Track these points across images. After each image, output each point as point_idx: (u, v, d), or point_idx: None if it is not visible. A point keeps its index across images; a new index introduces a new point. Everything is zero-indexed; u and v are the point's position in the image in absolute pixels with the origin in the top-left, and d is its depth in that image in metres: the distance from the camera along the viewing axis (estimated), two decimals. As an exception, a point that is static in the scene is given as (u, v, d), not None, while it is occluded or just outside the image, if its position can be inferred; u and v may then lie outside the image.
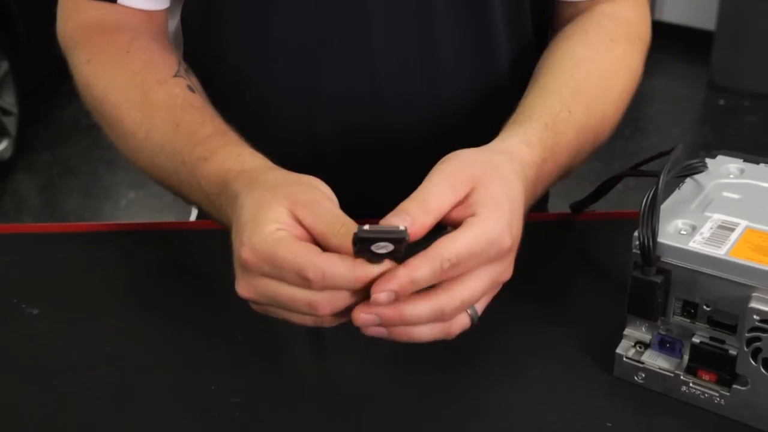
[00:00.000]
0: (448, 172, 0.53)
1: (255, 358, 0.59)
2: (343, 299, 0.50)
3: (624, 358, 0.57)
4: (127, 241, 0.75)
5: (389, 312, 0.49)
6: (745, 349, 0.51)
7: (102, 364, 0.60)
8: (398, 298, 0.49)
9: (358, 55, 0.73)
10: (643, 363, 0.56)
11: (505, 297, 0.58)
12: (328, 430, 0.54)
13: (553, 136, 0.62)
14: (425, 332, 0.51)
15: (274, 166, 0.59)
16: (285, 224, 0.51)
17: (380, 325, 0.50)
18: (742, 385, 0.53)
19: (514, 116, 0.64)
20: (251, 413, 0.55)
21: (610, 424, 0.54)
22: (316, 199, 0.52)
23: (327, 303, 0.50)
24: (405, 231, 0.47)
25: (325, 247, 0.50)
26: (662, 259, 0.54)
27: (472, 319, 0.53)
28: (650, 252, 0.53)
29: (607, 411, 0.55)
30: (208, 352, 0.59)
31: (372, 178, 0.78)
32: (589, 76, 0.68)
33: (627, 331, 0.58)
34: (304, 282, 0.49)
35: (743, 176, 0.61)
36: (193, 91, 0.67)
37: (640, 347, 0.57)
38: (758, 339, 0.51)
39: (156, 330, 0.61)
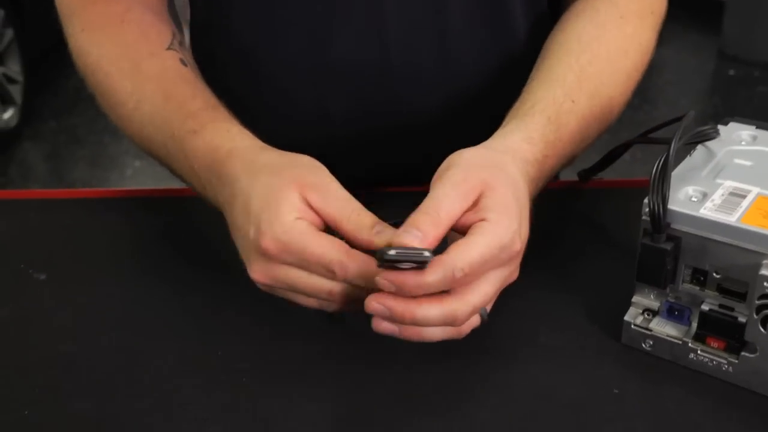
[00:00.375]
0: (456, 180, 0.53)
1: (262, 323, 0.59)
2: (360, 293, 0.51)
3: (632, 326, 0.57)
4: (134, 207, 0.75)
5: (400, 308, 0.49)
6: (755, 316, 0.51)
7: (109, 328, 0.60)
8: (409, 296, 0.50)
9: (368, 25, 0.72)
10: (651, 330, 0.56)
11: (513, 264, 0.58)
12: (336, 395, 0.54)
13: (555, 130, 0.61)
14: (436, 333, 0.51)
15: (264, 145, 0.59)
16: (301, 211, 0.52)
17: (392, 321, 0.50)
18: (751, 353, 0.53)
19: (517, 106, 0.63)
20: (259, 379, 0.55)
21: (617, 391, 0.54)
22: (323, 180, 0.54)
23: (346, 294, 0.52)
24: (429, 255, 0.48)
25: (336, 230, 0.52)
26: (672, 226, 0.53)
27: (482, 318, 0.54)
28: (660, 219, 0.52)
29: (615, 378, 0.55)
30: (215, 318, 0.59)
31: (384, 152, 0.77)
32: (596, 59, 0.67)
33: (635, 298, 0.58)
34: (329, 274, 0.51)
35: (756, 143, 0.60)
36: (185, 65, 0.68)
37: (648, 315, 0.57)
38: (768, 306, 0.50)
39: (162, 295, 0.61)
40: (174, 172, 0.65)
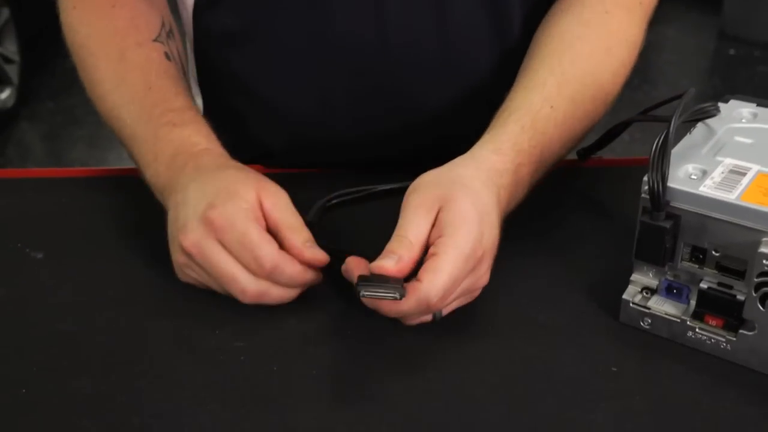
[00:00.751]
0: (416, 204, 0.56)
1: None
2: (272, 297, 0.57)
3: (630, 304, 0.57)
4: (131, 185, 0.74)
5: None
6: (753, 294, 0.51)
7: (107, 307, 0.60)
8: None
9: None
10: (649, 309, 0.56)
11: (512, 243, 0.58)
12: (335, 373, 0.54)
13: (530, 138, 0.62)
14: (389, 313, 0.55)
15: (233, 159, 0.64)
16: (252, 204, 0.57)
17: None
18: (749, 330, 0.53)
19: (496, 116, 0.64)
20: (256, 357, 0.55)
21: (615, 369, 0.54)
22: (280, 192, 0.59)
23: (256, 295, 0.56)
24: (399, 296, 0.52)
25: (277, 237, 0.57)
26: (672, 204, 0.53)
27: (434, 318, 0.56)
28: (660, 196, 0.52)
29: (613, 356, 0.55)
30: (213, 296, 0.59)
31: (383, 135, 0.77)
32: (579, 59, 0.67)
33: (634, 276, 0.58)
34: (254, 266, 0.55)
35: (756, 120, 0.60)
36: (169, 59, 0.70)
37: (646, 293, 0.57)
38: (767, 284, 0.50)
39: (160, 273, 0.61)
40: (131, 153, 0.67)
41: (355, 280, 0.54)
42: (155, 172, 0.63)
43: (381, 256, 0.53)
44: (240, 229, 0.55)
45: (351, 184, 0.72)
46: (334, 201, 0.71)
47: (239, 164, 0.63)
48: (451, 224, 0.54)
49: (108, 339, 0.57)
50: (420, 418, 0.51)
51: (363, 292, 0.52)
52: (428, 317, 0.56)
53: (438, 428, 0.50)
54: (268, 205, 0.58)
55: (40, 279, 0.63)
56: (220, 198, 0.56)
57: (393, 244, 0.54)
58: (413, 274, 0.53)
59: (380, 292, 0.52)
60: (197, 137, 0.64)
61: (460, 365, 0.55)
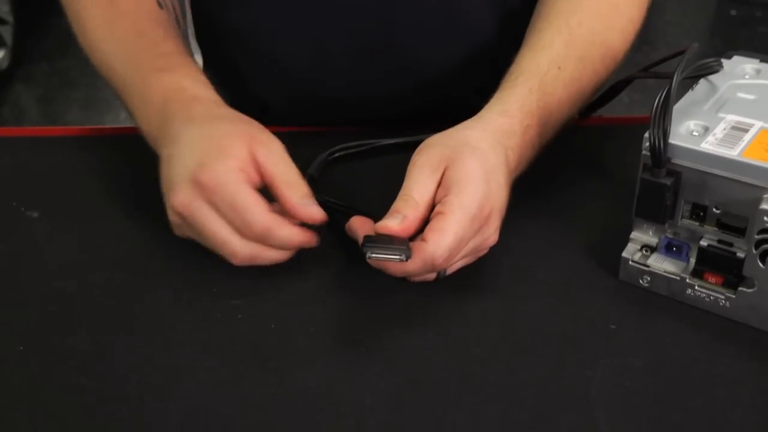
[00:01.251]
0: (421, 163, 0.55)
1: (257, 260, 0.59)
2: (264, 259, 0.55)
3: (630, 262, 0.57)
4: (127, 145, 0.73)
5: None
6: (754, 251, 0.51)
7: (102, 265, 0.59)
8: None
9: None
10: (648, 266, 0.56)
11: (512, 201, 0.57)
12: (333, 331, 0.54)
13: (538, 99, 0.61)
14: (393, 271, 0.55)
15: (224, 103, 0.62)
16: (244, 163, 0.54)
17: None
18: (749, 288, 0.52)
19: (504, 79, 0.63)
20: (254, 315, 0.55)
21: (614, 327, 0.54)
22: (273, 142, 0.56)
23: (247, 258, 0.55)
24: (405, 258, 0.51)
25: (269, 188, 0.55)
26: (673, 161, 0.52)
27: (438, 276, 0.56)
28: (661, 153, 0.51)
29: (612, 313, 0.55)
30: (209, 254, 0.58)
31: (382, 99, 0.76)
32: (587, 19, 0.66)
33: (633, 234, 0.57)
34: (244, 229, 0.54)
35: (759, 77, 0.59)
36: (161, 7, 0.68)
37: (646, 251, 0.57)
38: (767, 241, 0.50)
39: (156, 232, 0.61)
40: (124, 102, 0.66)
41: (359, 239, 0.54)
42: (147, 121, 0.62)
43: (386, 215, 0.53)
44: (230, 190, 0.53)
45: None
46: (336, 154, 0.70)
47: (232, 113, 0.60)
48: (458, 183, 0.53)
49: (104, 297, 0.57)
50: (419, 376, 0.51)
51: (369, 254, 0.51)
52: (432, 275, 0.56)
53: (437, 385, 0.50)
54: (261, 158, 0.55)
55: (36, 237, 0.63)
56: (210, 155, 0.54)
57: (398, 204, 0.53)
58: (419, 232, 0.53)
59: (386, 254, 0.51)
60: (186, 81, 0.61)
61: (460, 323, 0.54)
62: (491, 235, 0.56)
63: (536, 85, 0.61)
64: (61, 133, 0.77)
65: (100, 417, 0.48)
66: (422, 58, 0.75)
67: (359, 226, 0.56)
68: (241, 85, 0.79)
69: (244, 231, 0.54)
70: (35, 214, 0.65)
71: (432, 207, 0.54)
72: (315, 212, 0.55)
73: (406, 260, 0.51)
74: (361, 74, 0.75)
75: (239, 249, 0.54)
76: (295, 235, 0.55)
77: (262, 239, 0.54)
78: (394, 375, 0.51)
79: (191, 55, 0.68)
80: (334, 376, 0.51)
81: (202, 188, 0.54)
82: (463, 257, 0.56)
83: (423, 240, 0.52)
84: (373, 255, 0.51)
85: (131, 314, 0.55)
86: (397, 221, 0.52)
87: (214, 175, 0.53)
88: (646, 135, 0.52)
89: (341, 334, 0.54)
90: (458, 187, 0.53)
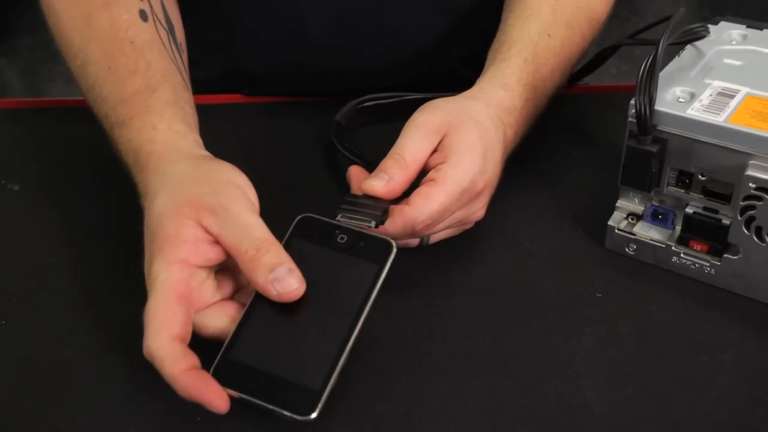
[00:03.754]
0: (420, 123, 0.54)
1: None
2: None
3: (615, 230, 0.56)
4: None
5: None
6: (739, 218, 0.51)
7: (85, 238, 0.59)
8: None
9: None
10: (634, 234, 0.56)
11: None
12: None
13: (533, 71, 0.60)
14: None
15: (190, 145, 0.53)
16: (189, 250, 0.45)
17: None
18: (734, 255, 0.52)
19: (494, 49, 0.62)
20: (239, 286, 0.54)
21: (599, 295, 0.54)
22: (223, 203, 0.46)
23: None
24: (380, 219, 0.50)
25: (235, 260, 0.46)
26: (659, 128, 0.52)
27: (421, 243, 0.55)
28: (647, 120, 0.51)
29: (598, 282, 0.55)
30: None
31: (365, 70, 0.75)
32: None
33: (619, 202, 0.57)
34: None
35: (746, 42, 0.59)
36: (144, 19, 0.59)
37: (632, 219, 0.57)
38: (752, 207, 0.50)
39: (136, 204, 0.60)
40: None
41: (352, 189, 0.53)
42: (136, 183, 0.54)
43: (373, 174, 0.52)
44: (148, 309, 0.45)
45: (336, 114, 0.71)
46: (366, 104, 0.68)
47: (178, 173, 0.50)
48: (456, 152, 0.52)
49: (87, 269, 0.56)
50: (404, 346, 0.50)
51: (339, 217, 0.50)
52: (415, 241, 0.55)
53: (423, 355, 0.50)
54: (209, 223, 0.46)
55: (17, 211, 0.62)
56: (154, 251, 0.46)
57: (387, 162, 0.52)
58: (408, 193, 0.52)
59: (357, 218, 0.50)
60: (141, 138, 0.53)
61: (445, 293, 0.54)
62: (479, 209, 0.55)
63: (530, 56, 0.61)
64: (42, 105, 0.76)
65: (84, 391, 0.48)
66: (407, 28, 0.74)
67: (353, 176, 0.55)
68: (224, 57, 0.78)
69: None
70: (16, 187, 0.64)
71: (422, 170, 0.53)
72: (289, 286, 0.45)
73: (375, 227, 0.49)
74: (344, 44, 0.74)
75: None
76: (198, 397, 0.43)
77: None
78: (379, 345, 0.50)
79: (177, 64, 0.60)
80: (320, 346, 0.50)
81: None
82: (447, 228, 0.55)
83: (407, 203, 0.51)
84: (343, 219, 0.50)
85: (116, 285, 0.55)
86: (382, 183, 0.51)
87: (149, 279, 0.46)
88: (632, 102, 0.51)
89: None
90: (456, 157, 0.52)
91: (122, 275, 0.55)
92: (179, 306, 0.45)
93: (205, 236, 0.46)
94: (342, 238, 0.48)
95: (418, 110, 0.55)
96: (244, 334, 0.46)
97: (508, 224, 0.60)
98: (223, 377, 0.44)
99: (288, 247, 0.47)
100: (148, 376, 0.48)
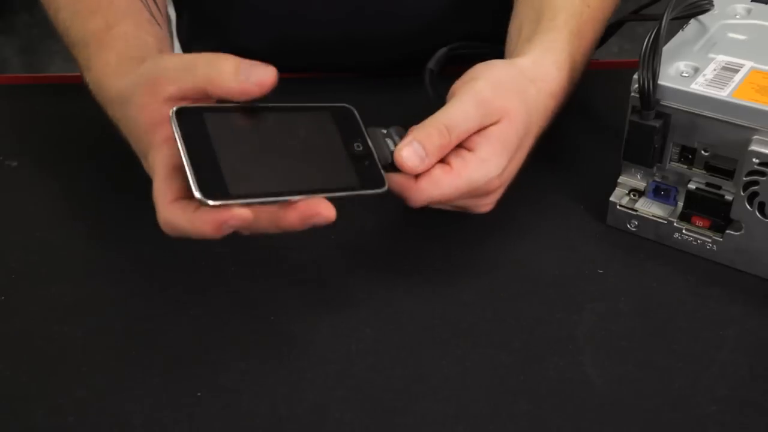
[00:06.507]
0: (483, 98, 0.50)
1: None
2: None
3: (617, 206, 0.56)
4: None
5: None
6: (742, 193, 0.50)
7: (84, 214, 0.59)
8: None
9: None
10: (636, 210, 0.56)
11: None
12: (319, 278, 0.54)
13: (579, 46, 0.58)
14: None
15: (137, 60, 0.51)
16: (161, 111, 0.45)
17: None
18: (736, 231, 0.52)
19: (537, 12, 0.59)
20: (240, 262, 0.54)
21: (601, 271, 0.54)
22: (164, 65, 0.47)
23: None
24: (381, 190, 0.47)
25: (212, 95, 0.45)
26: (662, 103, 0.52)
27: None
28: (650, 95, 0.51)
29: (599, 258, 0.55)
30: (194, 203, 0.58)
31: (368, 30, 0.74)
32: None
33: (621, 178, 0.57)
34: None
35: (750, 16, 0.58)
36: None
37: (634, 195, 0.56)
38: (755, 183, 0.49)
39: (138, 180, 0.59)
40: None
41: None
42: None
43: (409, 141, 0.48)
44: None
45: (340, 90, 0.70)
46: (459, 51, 0.67)
47: (122, 88, 0.50)
48: (489, 147, 0.50)
49: (86, 246, 0.56)
50: (405, 322, 0.50)
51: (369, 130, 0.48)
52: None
53: (424, 332, 0.50)
54: (173, 91, 0.46)
55: (15, 187, 0.62)
56: (143, 149, 0.48)
57: (431, 134, 0.48)
58: None
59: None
60: (97, 77, 0.53)
61: (446, 267, 0.54)
62: (485, 205, 0.53)
63: (575, 27, 0.58)
64: (40, 81, 0.76)
65: (84, 366, 0.48)
66: (407, 3, 0.73)
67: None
68: (220, 35, 0.77)
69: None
70: (14, 164, 0.64)
71: None
72: (261, 73, 0.45)
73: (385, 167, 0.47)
74: (342, 19, 0.73)
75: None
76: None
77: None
78: (380, 321, 0.50)
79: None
80: (320, 322, 0.50)
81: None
82: (446, 207, 0.54)
83: (414, 180, 0.49)
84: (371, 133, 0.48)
85: (114, 263, 0.54)
86: (417, 161, 0.48)
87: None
88: (635, 77, 0.51)
89: (327, 282, 0.54)
90: (485, 153, 0.49)
91: (122, 251, 0.55)
92: (178, 174, 0.44)
93: (171, 105, 0.45)
94: (358, 146, 0.47)
95: (481, 77, 0.51)
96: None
97: (508, 200, 0.59)
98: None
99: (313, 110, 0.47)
100: (148, 351, 0.48)
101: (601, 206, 0.57)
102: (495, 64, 0.53)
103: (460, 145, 0.50)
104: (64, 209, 0.59)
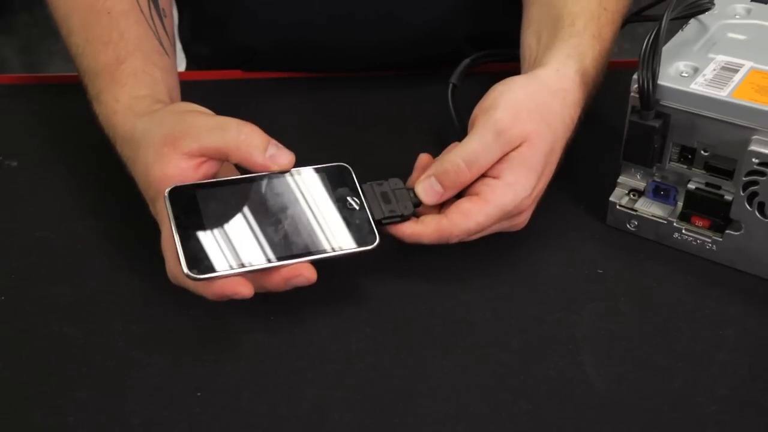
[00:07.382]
0: (501, 128, 0.50)
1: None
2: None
3: (617, 206, 0.56)
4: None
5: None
6: (741, 193, 0.50)
7: (84, 214, 0.59)
8: None
9: None
10: (636, 210, 0.56)
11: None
12: (318, 278, 0.54)
13: (600, 50, 0.57)
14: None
15: (147, 104, 0.53)
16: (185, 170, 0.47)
17: None
18: (736, 231, 0.52)
19: (554, 17, 0.58)
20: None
21: (600, 271, 0.54)
22: (191, 122, 0.48)
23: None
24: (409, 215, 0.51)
25: (226, 158, 0.48)
26: (662, 103, 0.52)
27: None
28: (649, 95, 0.51)
29: (599, 258, 0.55)
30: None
31: (369, 31, 0.74)
32: None
33: (621, 178, 0.57)
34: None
35: (750, 16, 0.58)
36: None
37: (633, 195, 0.56)
38: (755, 183, 0.49)
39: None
40: None
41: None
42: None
43: (428, 177, 0.50)
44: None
45: (338, 91, 0.70)
46: (481, 61, 0.67)
47: (141, 129, 0.51)
48: (515, 173, 0.50)
49: (86, 246, 0.56)
50: (405, 322, 0.50)
51: (377, 218, 0.50)
52: None
53: (424, 331, 0.50)
54: (192, 147, 0.47)
55: (16, 187, 0.62)
56: (152, 197, 0.49)
57: (448, 170, 0.50)
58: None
59: (385, 204, 0.51)
60: (107, 111, 0.55)
61: (445, 269, 0.54)
62: (519, 223, 0.53)
63: (596, 31, 0.58)
64: (40, 80, 0.76)
65: (83, 367, 0.48)
66: (409, 5, 0.73)
67: (420, 166, 0.54)
68: (222, 35, 0.77)
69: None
70: (14, 164, 0.64)
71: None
72: (284, 158, 0.48)
73: (401, 221, 0.50)
74: (344, 20, 0.73)
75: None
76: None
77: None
78: (380, 321, 0.50)
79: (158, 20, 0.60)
80: (320, 322, 0.50)
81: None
82: (483, 235, 0.53)
83: (445, 215, 0.50)
84: (368, 190, 0.51)
85: (114, 262, 0.54)
86: (435, 196, 0.50)
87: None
88: (635, 76, 0.51)
89: (326, 282, 0.53)
90: (512, 179, 0.50)
91: (121, 251, 0.55)
92: None
93: (189, 163, 0.47)
94: (350, 204, 0.49)
95: (499, 104, 0.51)
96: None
97: (509, 200, 0.59)
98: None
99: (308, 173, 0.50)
100: (148, 351, 0.48)
101: (601, 206, 0.57)
102: (514, 84, 0.53)
103: (485, 174, 0.51)
104: (64, 209, 0.59)
